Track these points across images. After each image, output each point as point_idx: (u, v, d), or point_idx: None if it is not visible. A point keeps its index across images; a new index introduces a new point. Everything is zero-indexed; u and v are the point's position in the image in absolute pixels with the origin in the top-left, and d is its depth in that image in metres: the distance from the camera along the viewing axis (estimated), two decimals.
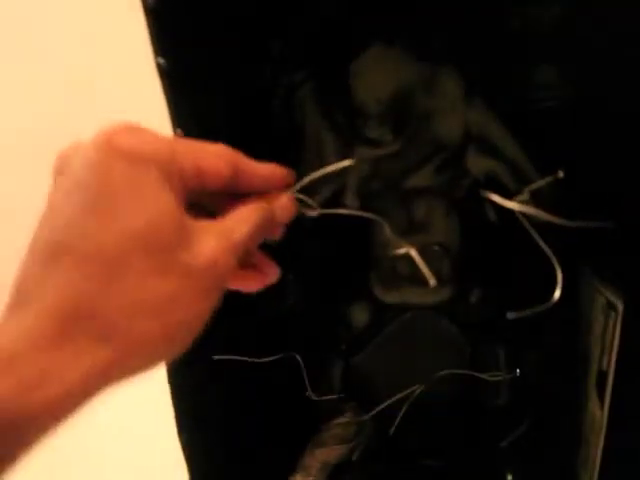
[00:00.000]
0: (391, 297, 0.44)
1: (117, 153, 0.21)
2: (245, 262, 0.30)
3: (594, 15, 0.34)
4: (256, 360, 0.46)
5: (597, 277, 0.41)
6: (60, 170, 0.22)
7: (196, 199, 0.27)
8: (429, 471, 0.48)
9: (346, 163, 0.34)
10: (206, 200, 0.28)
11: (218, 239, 0.24)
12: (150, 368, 0.22)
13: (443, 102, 0.39)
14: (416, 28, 0.39)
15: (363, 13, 0.39)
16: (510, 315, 0.36)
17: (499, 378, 0.46)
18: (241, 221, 0.26)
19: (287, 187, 0.31)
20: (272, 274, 0.31)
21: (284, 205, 0.30)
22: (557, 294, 0.36)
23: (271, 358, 0.47)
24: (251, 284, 0.30)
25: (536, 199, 0.38)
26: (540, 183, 0.38)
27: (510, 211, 0.39)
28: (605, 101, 0.35)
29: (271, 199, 0.29)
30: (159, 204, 0.22)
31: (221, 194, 0.28)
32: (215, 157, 0.26)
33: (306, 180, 0.32)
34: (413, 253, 0.38)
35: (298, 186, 0.32)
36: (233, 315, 0.32)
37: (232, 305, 0.28)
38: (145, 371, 0.22)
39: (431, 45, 0.39)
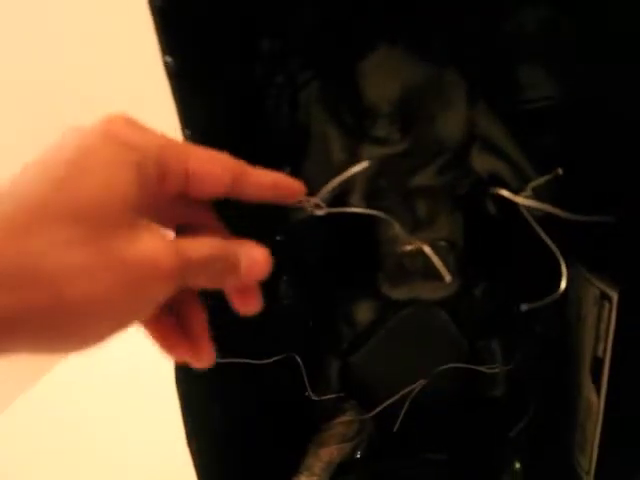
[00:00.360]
0: (399, 293, 0.45)
1: (105, 136, 0.22)
2: (172, 309, 0.26)
3: (594, 15, 0.36)
4: (257, 362, 0.46)
5: (588, 269, 0.43)
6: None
7: (193, 214, 0.27)
8: (434, 466, 0.48)
9: (363, 165, 0.34)
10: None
11: (167, 246, 0.22)
12: (38, 349, 0.20)
13: (447, 102, 0.40)
14: (416, 28, 0.40)
15: (363, 13, 0.40)
16: (523, 307, 0.37)
17: (497, 370, 0.47)
18: (201, 243, 0.24)
19: (297, 197, 0.29)
20: (204, 355, 0.26)
21: (255, 256, 0.26)
22: (563, 285, 0.38)
23: (271, 359, 0.47)
24: (174, 348, 0.26)
25: (536, 196, 0.39)
26: (541, 180, 0.39)
27: (512, 207, 0.40)
28: (604, 101, 0.37)
29: (244, 246, 0.26)
30: (115, 187, 0.21)
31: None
32: (210, 162, 0.26)
33: (328, 187, 0.32)
34: (427, 250, 0.39)
35: (320, 195, 0.31)
36: (232, 316, 0.32)
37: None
38: (33, 352, 0.20)
39: (431, 45, 0.40)
